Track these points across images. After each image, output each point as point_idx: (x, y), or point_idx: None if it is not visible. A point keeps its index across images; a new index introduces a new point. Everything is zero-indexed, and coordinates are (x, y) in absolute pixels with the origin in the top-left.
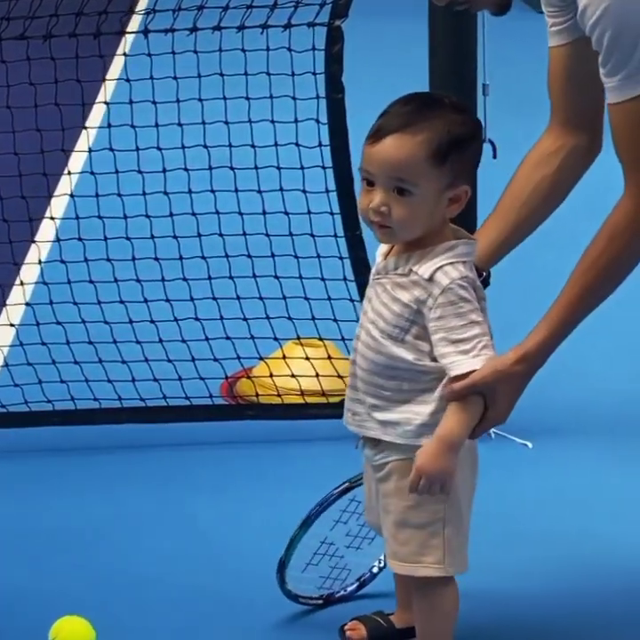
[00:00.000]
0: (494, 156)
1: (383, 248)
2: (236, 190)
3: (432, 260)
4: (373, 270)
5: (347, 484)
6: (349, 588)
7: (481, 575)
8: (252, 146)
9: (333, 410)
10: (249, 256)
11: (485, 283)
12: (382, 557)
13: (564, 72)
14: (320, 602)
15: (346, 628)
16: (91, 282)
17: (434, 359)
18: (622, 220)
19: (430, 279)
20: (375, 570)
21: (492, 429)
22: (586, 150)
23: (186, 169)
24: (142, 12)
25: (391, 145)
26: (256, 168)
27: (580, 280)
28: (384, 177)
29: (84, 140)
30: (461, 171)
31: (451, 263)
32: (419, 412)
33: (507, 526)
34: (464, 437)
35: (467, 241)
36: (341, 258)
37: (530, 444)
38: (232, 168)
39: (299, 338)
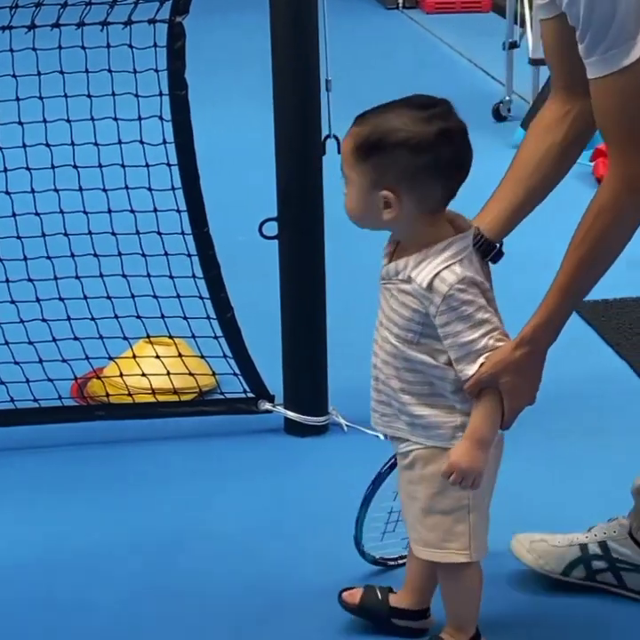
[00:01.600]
0: (339, 151)
1: (387, 248)
2: (81, 189)
3: (427, 266)
4: (381, 273)
5: (394, 460)
6: None
7: None
8: (96, 144)
9: (185, 408)
10: (96, 255)
11: (500, 254)
12: None
13: (557, 42)
14: None
15: (346, 591)
16: None
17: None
18: (607, 199)
19: (429, 288)
20: None
21: (344, 422)
22: (592, 113)
23: (28, 168)
24: None
25: (345, 136)
26: (100, 166)
27: (571, 263)
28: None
29: None
30: (384, 174)
31: (446, 267)
32: (444, 416)
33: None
34: (490, 433)
35: (461, 236)
36: (190, 255)
37: (381, 436)
38: (76, 166)
39: (149, 336)
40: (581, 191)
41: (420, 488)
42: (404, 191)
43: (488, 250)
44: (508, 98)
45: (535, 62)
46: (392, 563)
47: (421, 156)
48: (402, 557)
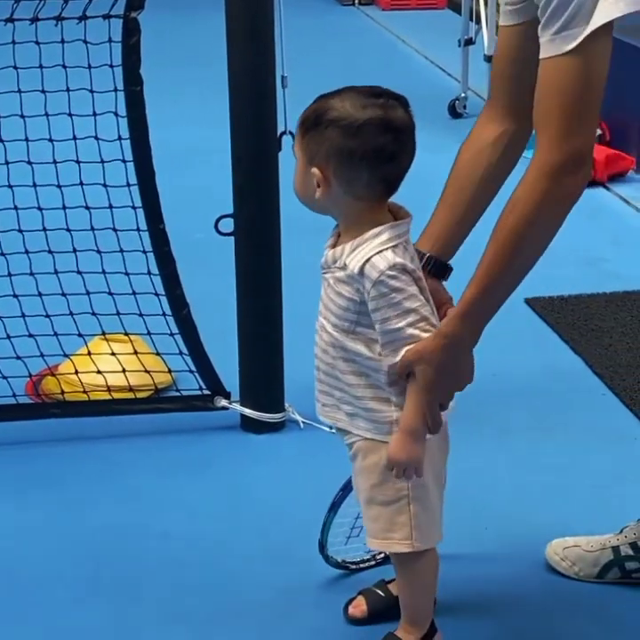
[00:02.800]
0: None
1: (330, 240)
2: (35, 185)
3: (360, 252)
4: (320, 262)
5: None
6: None
7: None
8: (50, 140)
9: (141, 405)
10: (50, 251)
11: (445, 273)
12: None
13: (512, 53)
14: (373, 562)
15: (350, 605)
16: None
17: None
18: (526, 193)
19: (360, 273)
20: None
21: (301, 419)
22: (525, 135)
23: None
24: None
25: None
26: (55, 162)
27: (488, 257)
28: None
29: None
30: (317, 151)
31: (378, 253)
32: (383, 409)
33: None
34: (421, 423)
35: (393, 224)
36: (145, 252)
37: (329, 428)
38: (30, 162)
39: (104, 334)
40: None
41: (361, 479)
42: (332, 171)
43: (441, 270)
44: (463, 94)
45: (491, 59)
46: (354, 567)
47: (348, 139)
48: (363, 561)
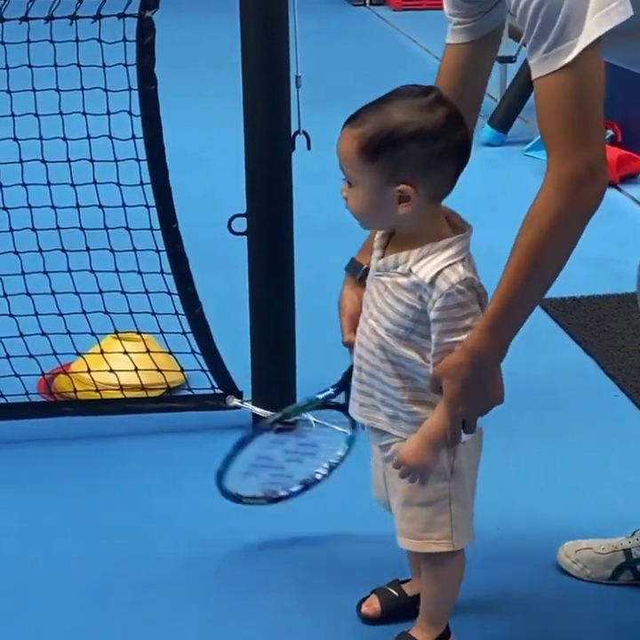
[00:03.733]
0: (308, 148)
1: (379, 240)
2: (49, 184)
3: (431, 261)
4: (373, 265)
5: (280, 415)
6: (293, 489)
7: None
8: (64, 139)
9: (153, 404)
10: (63, 250)
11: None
12: (326, 465)
13: (457, 71)
14: (263, 501)
15: (363, 604)
16: None
17: None
18: (543, 207)
19: (431, 283)
20: (319, 476)
21: (313, 418)
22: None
23: None
24: None
25: (341, 138)
26: (69, 161)
27: (511, 271)
28: (341, 167)
29: None
30: (399, 168)
31: (449, 265)
32: (426, 412)
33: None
34: (440, 435)
35: (462, 236)
36: (158, 251)
37: (349, 432)
38: (44, 161)
39: (117, 332)
40: None
41: (398, 480)
42: (421, 182)
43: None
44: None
45: (502, 59)
46: (245, 500)
47: (436, 143)
48: (254, 498)
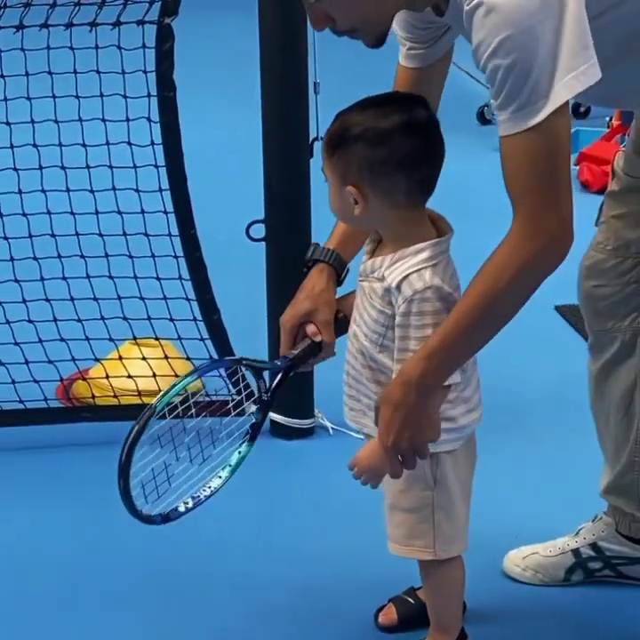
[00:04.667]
0: None
1: (368, 245)
2: (68, 190)
3: (400, 266)
4: (359, 269)
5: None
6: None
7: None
8: (84, 145)
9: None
10: (82, 256)
11: (342, 271)
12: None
13: (410, 90)
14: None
15: (380, 613)
16: None
17: None
18: (510, 255)
19: (397, 288)
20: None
21: (330, 425)
22: None
23: (15, 169)
24: None
25: None
26: (88, 167)
27: (459, 318)
28: None
29: None
30: (347, 169)
31: (417, 271)
32: None
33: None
34: (378, 461)
35: (436, 241)
36: (176, 257)
37: (362, 436)
38: (63, 167)
39: (135, 338)
40: None
41: (387, 485)
42: (368, 186)
43: (340, 266)
44: (492, 101)
45: None
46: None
47: (378, 149)
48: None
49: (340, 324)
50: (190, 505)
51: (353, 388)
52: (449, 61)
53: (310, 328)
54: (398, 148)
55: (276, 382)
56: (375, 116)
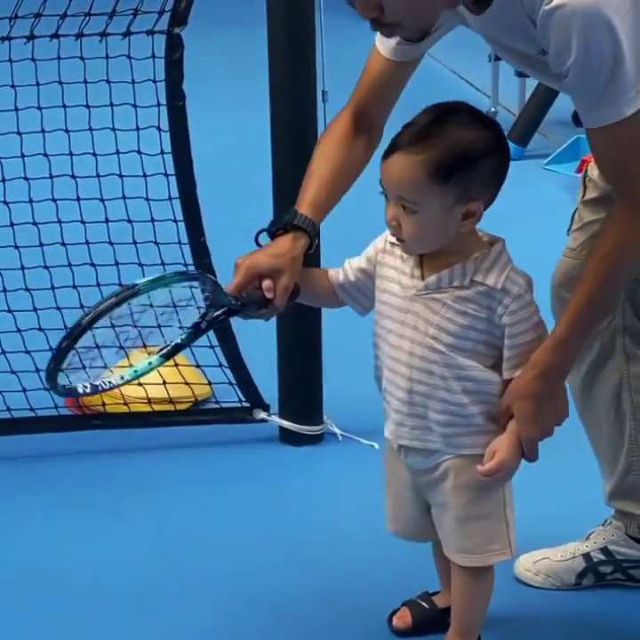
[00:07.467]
0: None
1: (410, 261)
2: (79, 199)
3: (496, 268)
4: (411, 285)
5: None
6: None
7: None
8: (94, 154)
9: (181, 417)
10: (92, 264)
11: (315, 239)
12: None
13: (380, 79)
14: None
15: (394, 617)
16: None
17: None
18: (620, 237)
19: (503, 289)
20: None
21: (339, 432)
22: (370, 147)
23: (26, 178)
24: None
25: (395, 163)
26: (98, 176)
27: (583, 292)
28: (391, 194)
29: None
30: (470, 187)
31: (511, 270)
32: (486, 422)
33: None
34: (513, 457)
35: (503, 242)
36: (186, 265)
37: (376, 445)
38: (74, 176)
39: (145, 345)
40: (568, 201)
41: (452, 498)
42: (483, 197)
43: (314, 234)
44: (493, 110)
45: (521, 74)
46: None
47: (495, 159)
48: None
49: (293, 295)
50: (88, 390)
51: (417, 405)
52: (421, 59)
53: (266, 283)
54: (505, 152)
55: (217, 315)
56: (481, 129)
